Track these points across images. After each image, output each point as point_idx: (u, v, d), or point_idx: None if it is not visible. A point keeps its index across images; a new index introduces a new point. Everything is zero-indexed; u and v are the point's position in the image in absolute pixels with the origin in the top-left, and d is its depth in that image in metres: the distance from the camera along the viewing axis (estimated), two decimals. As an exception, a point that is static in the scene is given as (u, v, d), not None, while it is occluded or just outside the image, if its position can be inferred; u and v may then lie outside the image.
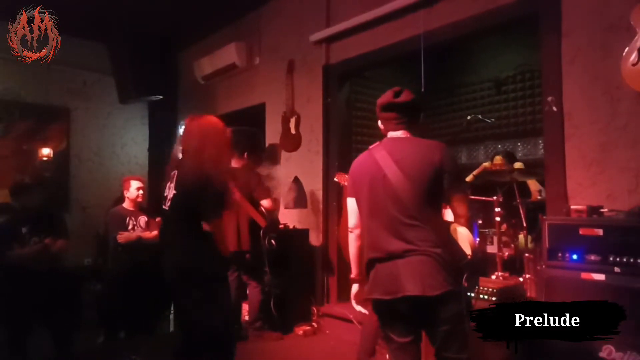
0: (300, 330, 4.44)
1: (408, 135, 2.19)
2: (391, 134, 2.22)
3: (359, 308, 2.33)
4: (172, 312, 4.19)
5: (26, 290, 3.48)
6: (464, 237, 2.12)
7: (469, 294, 2.94)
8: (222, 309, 2.62)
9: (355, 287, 2.33)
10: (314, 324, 4.54)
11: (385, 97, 2.21)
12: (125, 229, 4.26)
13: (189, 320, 2.59)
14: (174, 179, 2.61)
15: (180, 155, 2.69)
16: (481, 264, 3.49)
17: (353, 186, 2.27)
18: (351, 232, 2.30)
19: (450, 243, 2.06)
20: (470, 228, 2.20)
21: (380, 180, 2.08)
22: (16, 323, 3.51)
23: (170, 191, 2.61)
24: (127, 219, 4.30)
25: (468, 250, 2.08)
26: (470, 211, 2.19)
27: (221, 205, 2.50)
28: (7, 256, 3.47)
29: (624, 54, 2.78)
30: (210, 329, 2.51)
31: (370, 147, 2.26)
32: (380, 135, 2.27)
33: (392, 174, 2.05)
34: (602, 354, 2.30)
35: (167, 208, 2.63)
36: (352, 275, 2.34)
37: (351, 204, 2.28)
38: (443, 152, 2.08)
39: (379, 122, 2.29)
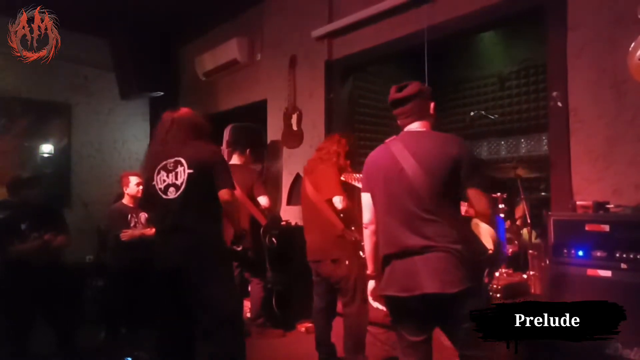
0: (302, 327, 4.42)
1: (425, 129, 2.16)
2: (408, 128, 2.18)
3: (376, 304, 2.29)
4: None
5: (27, 286, 3.46)
6: (485, 230, 2.08)
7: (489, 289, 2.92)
8: (233, 286, 2.77)
9: (371, 284, 2.29)
10: (316, 320, 4.51)
11: (390, 93, 2.20)
12: (128, 226, 4.24)
13: (200, 303, 2.61)
14: (178, 164, 2.64)
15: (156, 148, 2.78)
16: (503, 258, 3.45)
17: (368, 180, 2.23)
18: (366, 228, 2.26)
19: (470, 238, 2.01)
20: (494, 222, 2.15)
21: (397, 174, 2.04)
22: (18, 319, 3.50)
23: (178, 176, 2.63)
24: (129, 215, 4.28)
25: (490, 245, 2.04)
26: (491, 206, 2.13)
27: (231, 175, 2.71)
28: (8, 252, 3.45)
29: (630, 48, 2.75)
30: (225, 308, 2.62)
31: (387, 140, 2.22)
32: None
33: (410, 167, 2.00)
34: (609, 351, 2.28)
35: (173, 196, 2.63)
36: (368, 272, 2.30)
37: (366, 199, 2.24)
38: (461, 146, 2.05)
39: (398, 120, 2.25)
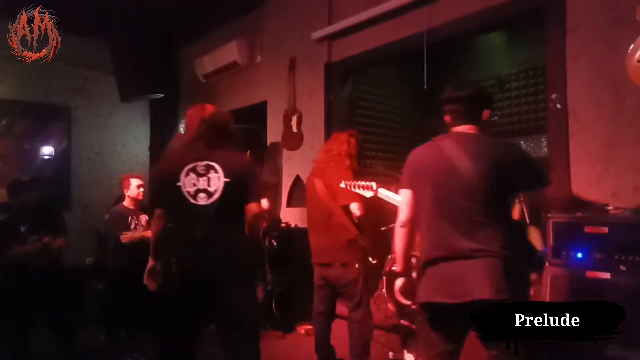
0: (302, 329, 4.42)
1: (475, 132, 2.09)
2: (456, 129, 2.11)
3: (405, 301, 2.24)
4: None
5: (27, 288, 3.46)
6: (535, 232, 2.05)
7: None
8: (256, 296, 2.79)
9: (400, 281, 2.22)
10: (315, 322, 4.52)
11: (447, 90, 2.15)
12: (128, 228, 4.24)
13: (228, 314, 2.51)
14: (210, 169, 2.50)
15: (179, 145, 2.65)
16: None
17: (412, 177, 2.12)
18: (402, 226, 2.14)
19: (521, 242, 1.98)
20: None
21: (450, 174, 1.97)
22: (17, 321, 3.49)
23: (211, 182, 2.49)
24: (129, 218, 4.28)
25: (539, 246, 2.02)
26: None
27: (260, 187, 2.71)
28: (7, 255, 3.45)
29: (629, 50, 2.75)
30: (250, 319, 2.57)
31: (436, 138, 2.14)
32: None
33: (465, 168, 1.94)
34: (608, 352, 2.28)
35: (204, 202, 2.48)
36: (398, 270, 2.22)
37: (406, 196, 2.12)
38: (518, 151, 2.00)
39: (446, 117, 2.18)
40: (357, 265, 3.17)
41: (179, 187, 2.50)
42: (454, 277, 1.91)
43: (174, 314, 2.53)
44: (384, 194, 2.87)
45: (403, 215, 2.13)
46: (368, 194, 2.93)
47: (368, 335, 3.26)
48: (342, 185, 3.06)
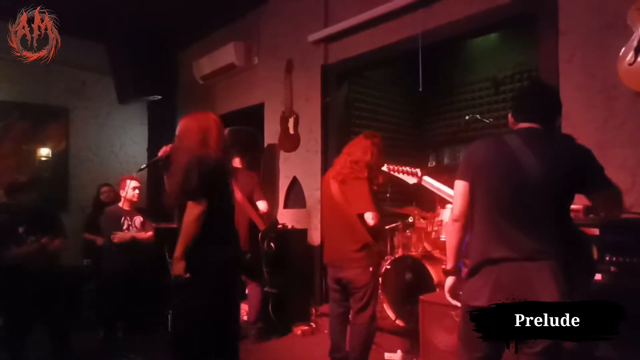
0: (298, 330, 4.44)
1: (540, 128, 1.99)
2: (524, 125, 2.01)
3: (455, 302, 2.13)
4: (169, 311, 4.16)
5: (24, 289, 3.48)
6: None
7: None
8: None
9: (450, 280, 2.11)
10: (312, 323, 4.54)
11: (525, 87, 2.11)
12: (120, 228, 4.25)
13: (236, 308, 2.78)
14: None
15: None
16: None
17: (470, 169, 2.01)
18: (456, 221, 2.04)
19: (583, 246, 1.94)
20: None
21: (514, 171, 1.88)
22: (14, 322, 3.51)
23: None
24: (122, 218, 4.30)
25: (595, 254, 2.01)
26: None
27: None
28: (4, 256, 3.46)
29: (620, 53, 2.79)
30: None
31: (500, 134, 2.06)
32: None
33: (532, 167, 1.85)
34: (599, 352, 2.30)
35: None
36: (448, 267, 2.10)
37: (461, 187, 2.02)
38: (584, 150, 1.94)
39: (510, 115, 2.10)
40: (370, 269, 3.16)
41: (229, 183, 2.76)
42: (517, 281, 1.82)
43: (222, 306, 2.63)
44: (429, 182, 2.75)
45: (457, 208, 2.04)
46: (411, 180, 2.77)
47: (371, 339, 3.24)
48: (384, 168, 2.90)
